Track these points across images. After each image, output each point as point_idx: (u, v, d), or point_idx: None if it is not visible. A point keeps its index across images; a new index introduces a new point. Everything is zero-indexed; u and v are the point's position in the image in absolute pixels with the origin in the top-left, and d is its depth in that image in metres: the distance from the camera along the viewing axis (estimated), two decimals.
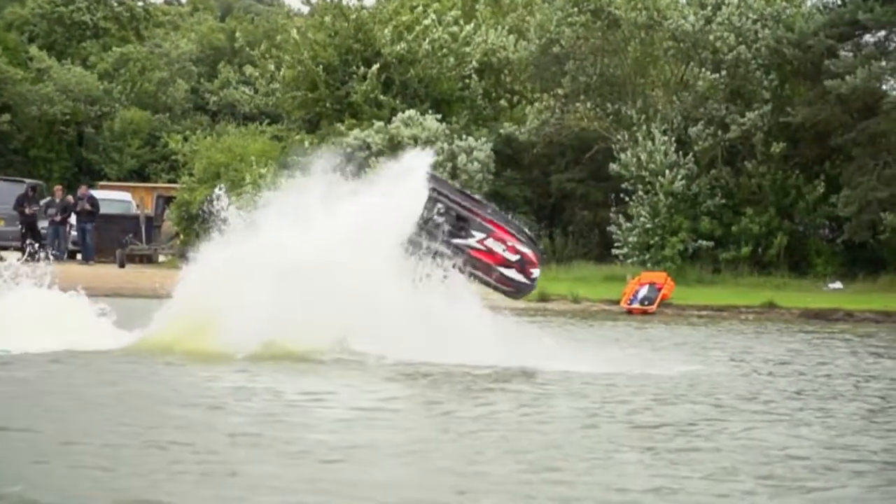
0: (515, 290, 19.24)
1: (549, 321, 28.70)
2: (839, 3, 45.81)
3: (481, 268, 18.82)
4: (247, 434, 11.33)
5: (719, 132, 45.13)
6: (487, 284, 18.94)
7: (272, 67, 53.72)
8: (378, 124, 45.98)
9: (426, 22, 50.33)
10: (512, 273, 18.95)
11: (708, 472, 10.31)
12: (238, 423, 11.95)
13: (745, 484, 9.92)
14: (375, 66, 48.31)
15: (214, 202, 19.25)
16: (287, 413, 12.85)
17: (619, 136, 46.42)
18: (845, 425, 13.35)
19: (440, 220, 18.70)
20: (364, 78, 48.55)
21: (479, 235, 18.84)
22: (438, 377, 16.34)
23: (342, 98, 49.25)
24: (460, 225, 18.89)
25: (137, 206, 52.77)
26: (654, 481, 9.87)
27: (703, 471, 10.33)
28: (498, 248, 18.88)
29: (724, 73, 45.50)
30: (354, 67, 49.30)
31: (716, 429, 12.70)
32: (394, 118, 46.30)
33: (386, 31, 50.04)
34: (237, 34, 76.40)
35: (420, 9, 51.66)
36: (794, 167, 45.67)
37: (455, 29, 50.91)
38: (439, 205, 18.80)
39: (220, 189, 19.92)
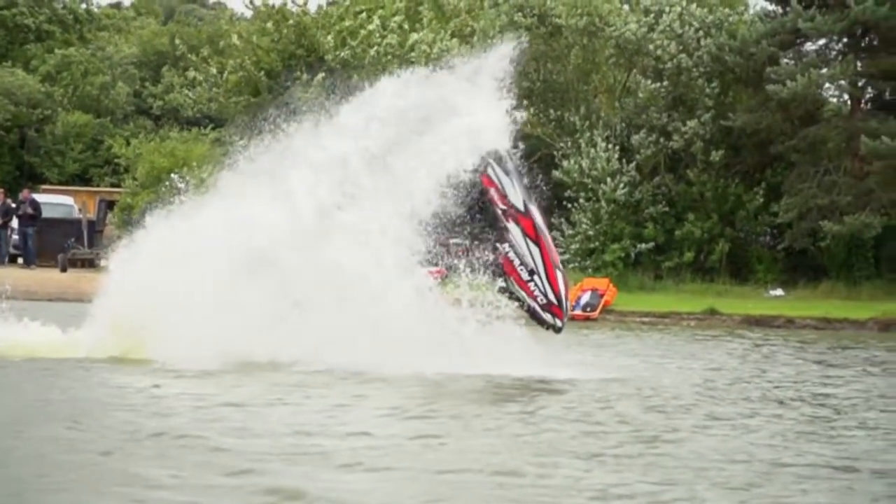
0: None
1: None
2: (781, 11, 46.13)
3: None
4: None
5: (661, 140, 45.34)
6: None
7: (214, 72, 53.49)
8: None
9: (371, 27, 50.25)
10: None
11: (658, 478, 10.31)
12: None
13: (695, 488, 9.94)
14: (321, 75, 48.15)
15: (173, 188, 19.27)
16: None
17: (561, 143, 46.52)
18: (790, 430, 13.37)
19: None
20: (308, 83, 48.38)
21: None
22: (369, 382, 16.18)
23: (285, 104, 48.98)
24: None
25: (80, 210, 52.27)
26: (601, 485, 9.85)
27: (654, 476, 10.32)
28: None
29: (665, 81, 45.72)
30: (298, 73, 49.14)
31: (661, 434, 12.67)
32: None
33: (329, 36, 49.92)
34: (177, 40, 75.95)
35: (364, 15, 51.58)
36: (735, 175, 45.98)
37: (399, 34, 50.84)
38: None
39: (177, 178, 19.95)
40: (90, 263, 47.12)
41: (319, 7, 54.14)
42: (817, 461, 11.41)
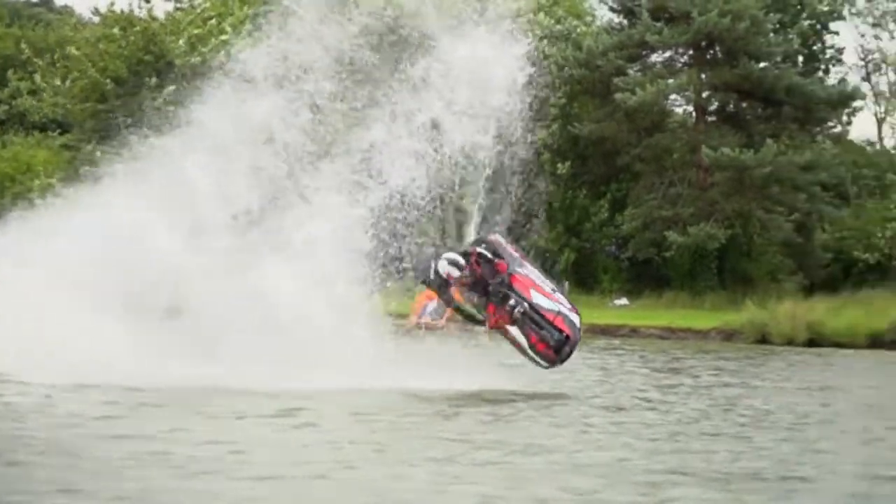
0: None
1: None
2: (627, 23, 46.51)
3: None
4: None
5: (509, 149, 45.33)
6: None
7: (58, 82, 52.36)
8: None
9: (224, 38, 49.43)
10: None
11: (509, 483, 10.11)
12: None
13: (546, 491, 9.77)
14: (172, 87, 47.19)
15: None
16: None
17: None
18: (635, 435, 13.28)
19: None
20: (158, 88, 47.47)
21: None
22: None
23: (135, 110, 48.02)
24: None
25: None
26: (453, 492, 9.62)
27: (505, 482, 10.11)
28: None
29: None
30: (146, 78, 48.20)
31: (514, 440, 12.49)
32: None
33: (180, 41, 49.07)
34: (22, 44, 74.10)
35: (214, 21, 50.79)
36: (581, 185, 46.19)
37: (250, 41, 50.10)
38: None
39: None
40: None
41: (167, 13, 53.15)
42: (659, 467, 11.32)
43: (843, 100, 49.12)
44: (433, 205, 23.10)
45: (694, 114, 46.92)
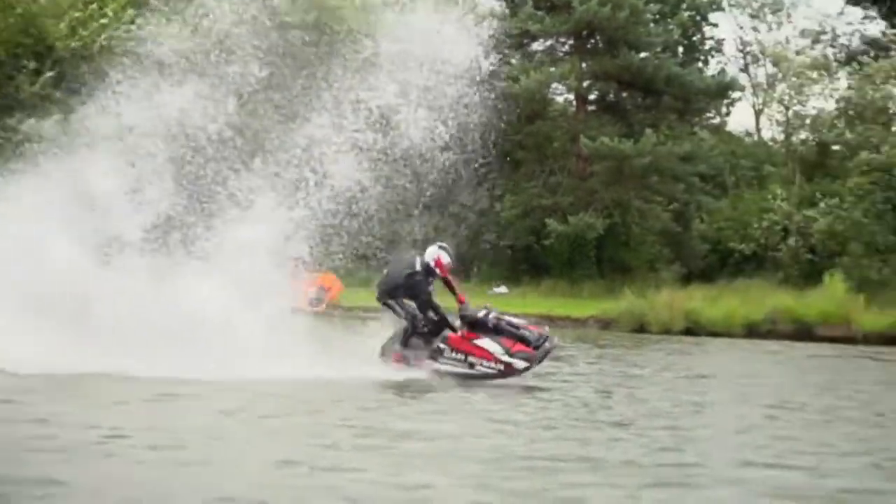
0: None
1: None
2: (508, 13, 46.49)
3: None
4: None
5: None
6: None
7: None
8: (56, 116, 43.94)
9: (104, 21, 48.47)
10: None
11: (391, 469, 10.10)
12: None
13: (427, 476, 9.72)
14: (50, 74, 46.18)
15: None
16: None
17: None
18: (529, 424, 13.20)
19: None
20: (36, 73, 46.44)
21: None
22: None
23: (11, 93, 46.96)
24: None
25: None
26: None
27: (388, 468, 9.95)
28: None
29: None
30: (24, 62, 47.14)
31: (396, 426, 12.36)
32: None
33: (61, 25, 48.04)
34: None
35: (95, 5, 49.79)
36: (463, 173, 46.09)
37: (132, 27, 49.21)
38: None
39: None
40: None
41: None
42: (539, 454, 11.23)
43: (722, 91, 49.71)
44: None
45: (574, 103, 47.10)
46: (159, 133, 19.49)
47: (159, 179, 18.98)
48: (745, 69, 57.28)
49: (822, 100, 49.83)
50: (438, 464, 10.64)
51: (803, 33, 53.52)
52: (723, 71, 52.17)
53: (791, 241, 46.17)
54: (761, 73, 56.85)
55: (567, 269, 43.65)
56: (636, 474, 10.46)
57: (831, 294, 36.76)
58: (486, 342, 17.95)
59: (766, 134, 56.71)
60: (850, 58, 51.03)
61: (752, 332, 34.59)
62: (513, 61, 44.99)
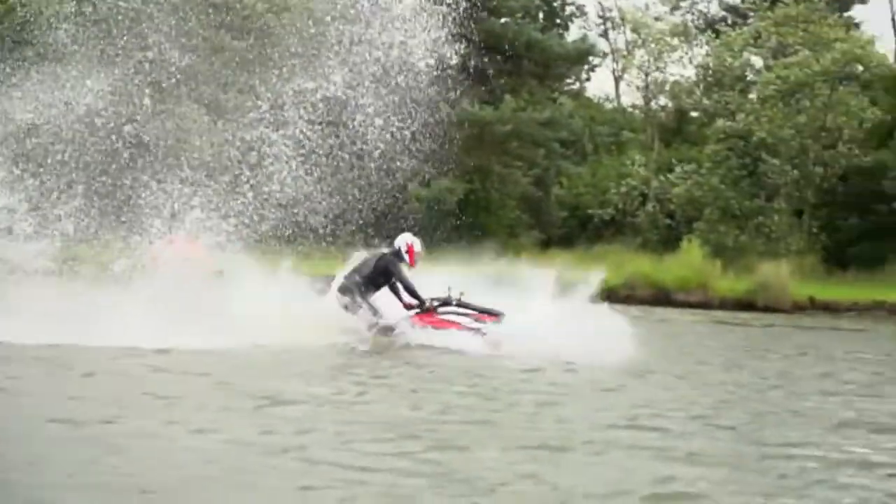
0: None
1: None
2: None
3: None
4: None
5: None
6: None
7: None
8: None
9: None
10: None
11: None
12: None
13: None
14: None
15: None
16: None
17: None
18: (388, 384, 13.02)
19: None
20: None
21: None
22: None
23: None
24: None
25: None
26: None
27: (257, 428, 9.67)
28: None
29: (252, 40, 44.92)
30: None
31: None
32: None
33: None
34: None
35: None
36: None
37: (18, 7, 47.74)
38: None
39: None
40: None
41: None
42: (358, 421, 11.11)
43: (581, 56, 49.93)
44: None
45: (435, 68, 46.87)
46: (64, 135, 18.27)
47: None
48: (604, 35, 57.64)
49: (681, 66, 50.37)
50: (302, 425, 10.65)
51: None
52: (585, 37, 52.38)
53: (649, 206, 46.65)
54: (620, 39, 57.27)
55: (427, 234, 43.51)
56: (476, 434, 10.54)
57: (689, 260, 37.17)
58: (451, 315, 18.17)
59: (626, 100, 57.20)
60: (710, 25, 51.62)
61: (611, 297, 34.65)
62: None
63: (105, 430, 10.06)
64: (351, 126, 39.41)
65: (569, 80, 54.45)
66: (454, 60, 47.21)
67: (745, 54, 46.96)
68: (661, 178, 46.47)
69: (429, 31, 35.41)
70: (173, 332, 15.67)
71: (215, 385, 13.11)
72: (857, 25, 49.62)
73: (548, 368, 15.61)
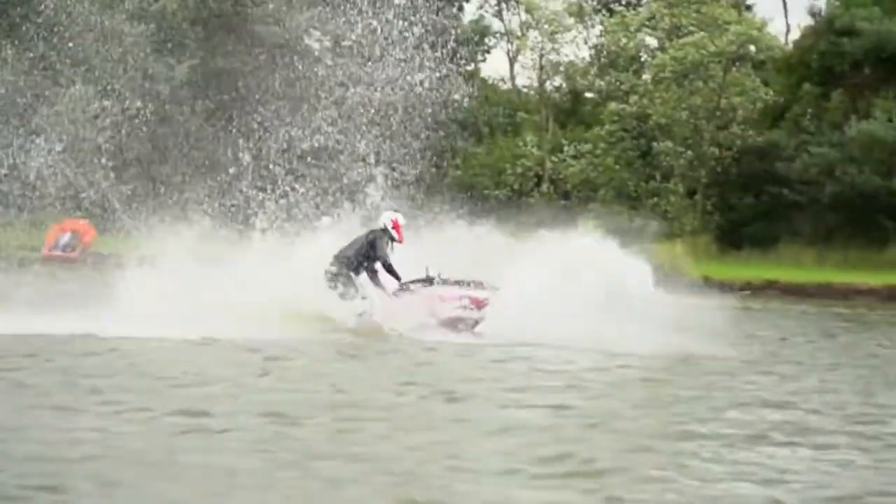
0: None
1: None
2: None
3: None
4: None
5: (147, 85, 44.22)
6: None
7: None
8: None
9: None
10: None
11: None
12: None
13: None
14: None
15: None
16: None
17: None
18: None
19: None
20: None
21: None
22: None
23: None
24: None
25: None
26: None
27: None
28: None
29: (152, 24, 44.58)
30: None
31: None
32: None
33: None
34: None
35: None
36: (217, 120, 45.63)
37: None
38: None
39: None
40: None
41: None
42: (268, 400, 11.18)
43: (477, 37, 49.98)
44: None
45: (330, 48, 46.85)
46: None
47: None
48: (498, 15, 57.68)
49: (576, 47, 50.72)
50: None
51: None
52: (483, 18, 52.53)
53: (544, 187, 47.00)
54: (515, 20, 57.38)
55: None
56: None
57: None
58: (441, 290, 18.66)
59: (521, 81, 57.32)
60: (604, 5, 51.98)
61: None
62: (271, 6, 44.59)
63: None
64: None
65: (464, 61, 54.50)
66: (348, 42, 47.23)
67: (640, 35, 47.45)
68: (555, 158, 46.86)
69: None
70: None
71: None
72: (748, 8, 50.33)
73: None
